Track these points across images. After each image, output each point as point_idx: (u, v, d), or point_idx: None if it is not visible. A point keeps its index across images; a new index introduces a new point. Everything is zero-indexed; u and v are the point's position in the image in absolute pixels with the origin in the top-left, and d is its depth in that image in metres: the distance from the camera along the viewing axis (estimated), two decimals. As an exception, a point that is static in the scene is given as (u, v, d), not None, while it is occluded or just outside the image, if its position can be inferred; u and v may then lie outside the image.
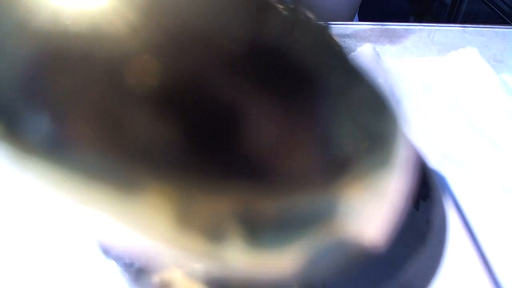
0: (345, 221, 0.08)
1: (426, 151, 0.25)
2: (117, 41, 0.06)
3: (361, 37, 0.40)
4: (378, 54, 0.35)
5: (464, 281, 0.18)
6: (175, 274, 0.12)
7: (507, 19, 0.89)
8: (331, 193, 0.07)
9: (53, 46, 0.06)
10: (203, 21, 0.06)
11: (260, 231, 0.08)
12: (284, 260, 0.08)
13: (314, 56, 0.09)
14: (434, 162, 0.25)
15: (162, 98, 0.06)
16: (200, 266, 0.08)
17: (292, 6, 0.18)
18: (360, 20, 0.60)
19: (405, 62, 0.35)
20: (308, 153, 0.07)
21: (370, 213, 0.08)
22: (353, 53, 0.17)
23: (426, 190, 0.21)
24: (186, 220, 0.07)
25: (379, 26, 0.41)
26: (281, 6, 0.08)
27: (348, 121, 0.08)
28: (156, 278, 0.14)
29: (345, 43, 0.17)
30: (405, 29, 0.41)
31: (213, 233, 0.07)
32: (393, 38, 0.40)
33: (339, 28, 0.41)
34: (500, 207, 0.23)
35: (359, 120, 0.08)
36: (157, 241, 0.08)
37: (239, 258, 0.08)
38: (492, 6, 0.95)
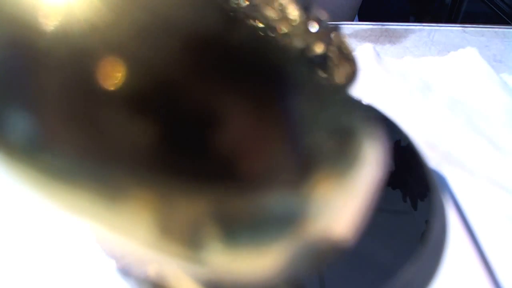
0: (318, 218, 0.08)
1: (426, 151, 0.25)
2: (91, 38, 0.06)
3: (361, 37, 0.40)
4: (378, 54, 0.35)
5: (464, 281, 0.18)
6: (170, 271, 0.12)
7: (507, 19, 0.89)
8: (303, 191, 0.07)
9: (24, 43, 0.06)
10: (174, 20, 0.06)
11: (237, 231, 0.08)
12: (264, 259, 0.08)
13: (282, 57, 0.09)
14: (434, 162, 0.25)
15: (135, 98, 0.06)
16: (185, 270, 0.08)
17: (304, 6, 0.18)
18: (360, 20, 0.60)
19: (405, 62, 0.35)
20: (280, 152, 0.07)
21: (342, 210, 0.08)
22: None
23: (424, 190, 0.21)
24: (167, 225, 0.07)
25: (379, 26, 0.41)
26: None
27: (317, 120, 0.08)
28: (151, 274, 0.14)
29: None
30: (405, 29, 0.41)
31: (193, 237, 0.07)
32: (393, 38, 0.40)
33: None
34: (500, 207, 0.23)
35: (327, 119, 0.08)
36: (141, 246, 0.08)
37: (220, 260, 0.08)
38: (492, 6, 0.95)
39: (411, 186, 0.22)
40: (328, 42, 0.17)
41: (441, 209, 0.21)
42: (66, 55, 0.06)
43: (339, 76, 0.16)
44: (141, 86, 0.06)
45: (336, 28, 0.18)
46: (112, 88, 0.06)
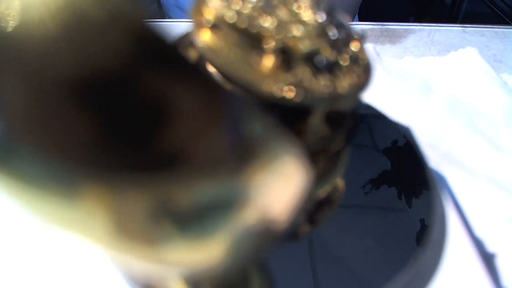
0: (258, 203, 0.08)
1: (426, 151, 0.25)
2: (34, 33, 0.06)
3: (361, 37, 0.39)
4: (378, 54, 0.35)
5: (464, 281, 0.18)
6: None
7: (507, 19, 0.89)
8: (242, 178, 0.08)
9: None
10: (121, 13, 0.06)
11: (185, 223, 0.08)
12: (212, 247, 0.08)
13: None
14: (434, 162, 0.25)
15: (81, 91, 0.06)
16: (146, 268, 0.09)
17: (327, 11, 0.18)
18: (360, 20, 0.60)
19: (405, 62, 0.35)
20: (220, 143, 0.07)
21: (278, 195, 0.09)
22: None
23: (424, 189, 0.21)
24: (121, 222, 0.07)
25: (379, 26, 0.41)
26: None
27: (250, 112, 0.08)
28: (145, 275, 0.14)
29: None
30: (405, 29, 0.41)
31: (146, 233, 0.08)
32: (393, 38, 0.40)
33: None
34: (500, 207, 0.23)
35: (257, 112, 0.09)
36: (100, 246, 0.08)
37: (174, 254, 0.08)
38: (492, 6, 0.95)
39: (411, 185, 0.22)
40: (341, 49, 0.17)
41: (440, 209, 0.20)
42: (11, 51, 0.06)
43: (342, 85, 0.16)
44: (87, 80, 0.06)
45: (360, 36, 0.18)
46: (59, 82, 0.06)
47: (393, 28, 0.41)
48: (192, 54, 0.19)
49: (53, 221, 0.08)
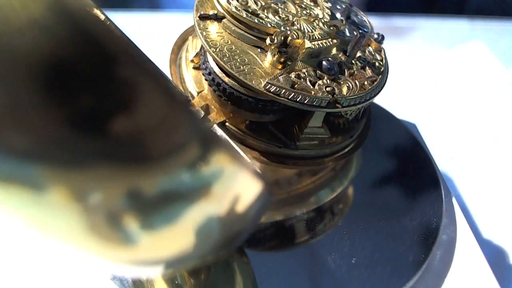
0: (223, 190, 0.09)
1: (432, 149, 0.24)
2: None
3: (367, 33, 0.39)
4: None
5: (472, 282, 0.18)
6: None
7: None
8: (207, 166, 0.08)
9: None
10: None
11: (152, 214, 0.08)
12: (180, 237, 0.08)
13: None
14: (441, 161, 0.25)
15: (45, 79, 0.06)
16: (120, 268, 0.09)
17: (346, 13, 0.17)
18: (367, 11, 0.59)
19: (411, 58, 0.34)
20: (181, 130, 0.07)
21: (242, 183, 0.09)
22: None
23: (426, 187, 0.21)
24: (90, 219, 0.07)
25: (385, 22, 0.41)
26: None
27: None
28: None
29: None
30: (411, 24, 0.40)
31: (114, 229, 0.08)
32: (399, 34, 0.39)
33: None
34: (507, 208, 0.22)
35: None
36: (73, 246, 0.08)
37: (144, 246, 0.08)
38: (501, 0, 0.94)
39: (417, 184, 0.21)
40: (352, 50, 0.16)
41: (448, 208, 0.20)
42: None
43: (347, 88, 0.16)
44: (43, 69, 0.06)
45: (376, 39, 0.18)
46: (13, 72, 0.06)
47: (400, 24, 0.40)
48: (195, 46, 0.18)
49: (26, 220, 0.08)
